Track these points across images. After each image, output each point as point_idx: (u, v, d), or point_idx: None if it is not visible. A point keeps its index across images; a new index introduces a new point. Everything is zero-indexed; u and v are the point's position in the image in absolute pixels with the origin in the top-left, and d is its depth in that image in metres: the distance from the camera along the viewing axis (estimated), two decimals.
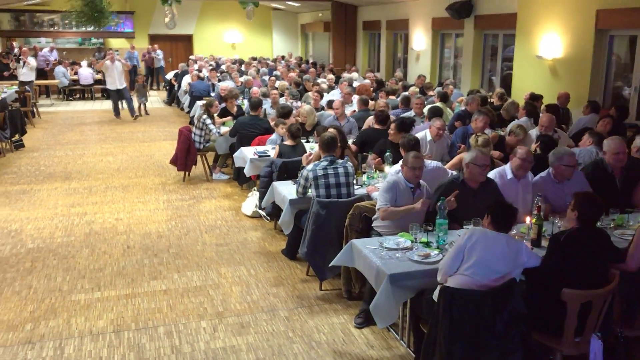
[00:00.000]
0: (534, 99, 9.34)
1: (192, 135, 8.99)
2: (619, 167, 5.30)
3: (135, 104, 15.72)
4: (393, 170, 5.47)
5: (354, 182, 5.65)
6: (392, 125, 6.75)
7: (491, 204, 3.90)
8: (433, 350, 3.47)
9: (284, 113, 8.32)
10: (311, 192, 5.46)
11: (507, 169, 5.21)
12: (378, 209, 4.79)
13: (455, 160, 6.19)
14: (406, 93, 10.42)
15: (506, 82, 12.17)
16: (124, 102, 15.47)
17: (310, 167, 5.44)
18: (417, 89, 11.26)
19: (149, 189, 8.74)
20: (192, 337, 4.56)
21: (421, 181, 4.98)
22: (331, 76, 14.00)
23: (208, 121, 8.94)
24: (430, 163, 5.71)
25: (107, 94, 19.85)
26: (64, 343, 4.47)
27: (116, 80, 14.82)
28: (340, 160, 5.53)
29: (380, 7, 17.51)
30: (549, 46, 10.16)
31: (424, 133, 7.07)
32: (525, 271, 3.77)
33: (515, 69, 11.48)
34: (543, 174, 5.22)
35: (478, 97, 8.98)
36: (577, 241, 3.70)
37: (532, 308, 3.55)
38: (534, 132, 7.08)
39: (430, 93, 11.15)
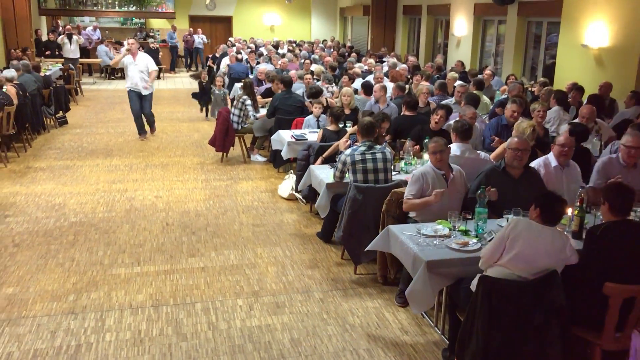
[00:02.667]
0: (577, 90, 9.10)
1: (231, 116, 9.08)
2: None
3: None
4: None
5: (392, 168, 5.64)
6: (439, 118, 6.65)
7: (540, 194, 3.77)
8: (469, 339, 3.46)
9: (312, 93, 8.38)
10: (348, 176, 5.47)
11: (550, 157, 5.12)
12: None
13: (499, 150, 6.05)
14: (443, 80, 10.27)
15: (549, 72, 11.89)
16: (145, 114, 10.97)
17: (348, 151, 5.45)
18: (457, 75, 11.08)
19: (188, 168, 8.88)
20: (229, 314, 4.64)
21: (455, 166, 4.92)
22: (371, 60, 13.88)
23: (248, 102, 9.01)
24: (480, 153, 5.64)
25: None
26: (105, 315, 4.61)
27: (138, 82, 10.39)
28: (378, 146, 5.52)
29: None
30: (595, 35, 9.87)
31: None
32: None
33: (559, 58, 11.20)
34: (613, 154, 5.13)
35: (520, 85, 8.80)
36: (613, 235, 3.60)
37: (571, 301, 3.51)
38: (564, 123, 6.91)
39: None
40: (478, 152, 5.71)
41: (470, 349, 3.45)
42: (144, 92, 10.53)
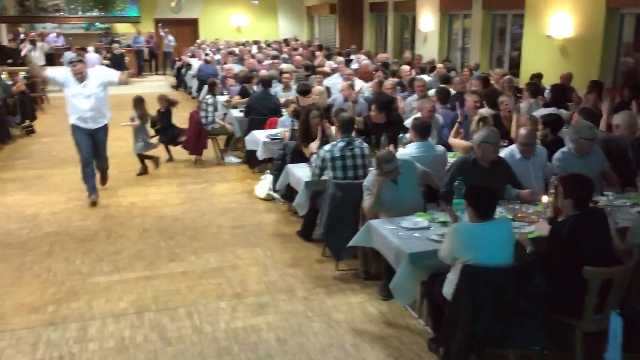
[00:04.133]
0: (537, 78, 9.29)
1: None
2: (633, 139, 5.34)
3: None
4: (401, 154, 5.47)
5: (370, 163, 5.67)
6: (373, 106, 6.75)
7: (466, 190, 3.82)
8: (454, 329, 3.51)
9: (303, 90, 8.38)
10: (327, 173, 5.48)
11: (514, 149, 5.23)
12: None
13: (466, 144, 6.08)
14: (413, 76, 10.35)
15: (515, 63, 12.10)
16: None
17: (327, 147, 5.46)
18: (408, 68, 11.14)
19: (162, 173, 8.79)
20: (213, 317, 4.62)
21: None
22: (340, 59, 13.91)
23: (210, 100, 9.01)
24: (437, 149, 5.71)
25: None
26: (87, 324, 4.54)
27: (88, 114, 7.02)
28: (357, 141, 5.54)
29: None
30: (558, 25, 10.09)
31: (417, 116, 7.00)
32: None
33: (524, 50, 11.42)
34: (564, 149, 5.25)
35: (461, 79, 9.05)
36: (579, 229, 3.63)
37: (551, 288, 3.58)
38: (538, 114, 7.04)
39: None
40: (436, 147, 5.76)
41: (455, 338, 3.50)
42: (95, 126, 7.12)
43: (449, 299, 3.60)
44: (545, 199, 4.47)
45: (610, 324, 3.55)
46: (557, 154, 5.19)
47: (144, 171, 8.67)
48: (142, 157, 8.66)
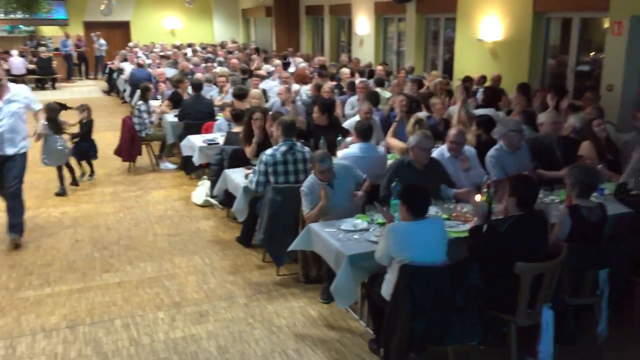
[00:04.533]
0: (466, 82, 9.56)
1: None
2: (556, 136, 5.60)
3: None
4: (345, 153, 5.53)
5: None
6: (315, 108, 6.79)
7: (401, 189, 3.90)
8: (394, 328, 3.55)
9: (239, 94, 8.26)
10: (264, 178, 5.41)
11: (444, 149, 5.38)
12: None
13: (402, 146, 6.16)
14: (352, 79, 10.45)
15: (449, 66, 12.42)
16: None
17: (269, 151, 5.35)
18: (348, 71, 11.26)
19: (94, 181, 8.49)
20: (151, 328, 4.49)
21: (339, 164, 4.96)
22: (277, 61, 13.88)
23: (143, 107, 8.80)
24: (379, 150, 5.78)
25: (41, 83, 19.25)
26: (15, 342, 4.31)
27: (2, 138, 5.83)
28: (298, 146, 5.49)
29: None
30: (489, 29, 10.43)
31: (356, 118, 7.08)
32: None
33: (456, 52, 11.73)
34: (496, 146, 5.43)
35: (398, 82, 9.29)
36: (519, 229, 3.73)
37: (486, 284, 3.67)
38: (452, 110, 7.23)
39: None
40: (378, 148, 5.83)
41: (395, 337, 3.53)
42: (9, 152, 5.87)
43: (388, 300, 3.63)
44: (478, 197, 4.59)
45: (542, 318, 3.68)
46: (490, 152, 5.37)
47: (73, 181, 8.25)
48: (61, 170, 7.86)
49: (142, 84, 9.32)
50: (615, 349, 4.12)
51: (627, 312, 4.32)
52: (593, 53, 9.29)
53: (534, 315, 3.73)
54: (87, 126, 8.31)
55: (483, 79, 10.01)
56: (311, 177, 4.88)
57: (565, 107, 6.98)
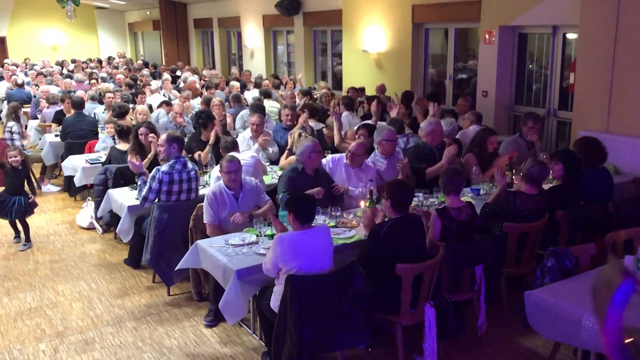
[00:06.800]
0: (356, 92, 9.87)
1: None
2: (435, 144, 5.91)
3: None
4: (215, 175, 5.43)
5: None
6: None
7: (287, 199, 3.98)
8: (284, 338, 3.56)
9: (120, 113, 7.98)
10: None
11: (342, 157, 5.54)
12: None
13: (292, 159, 6.18)
14: (237, 93, 10.42)
15: (338, 77, 12.73)
16: None
17: (165, 169, 5.05)
18: (238, 85, 11.31)
19: None
20: None
21: (247, 180, 4.96)
22: (167, 76, 13.55)
23: (15, 129, 8.33)
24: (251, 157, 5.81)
25: None
26: None
27: None
28: (190, 163, 5.30)
29: (210, 5, 17.34)
30: (373, 41, 10.80)
31: (247, 132, 7.09)
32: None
33: (344, 64, 12.04)
34: (375, 152, 5.67)
35: (292, 93, 9.46)
36: (396, 231, 3.88)
37: (371, 288, 3.78)
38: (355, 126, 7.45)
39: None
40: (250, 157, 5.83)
41: (286, 347, 3.55)
42: None
43: (277, 311, 3.64)
44: (362, 204, 4.73)
45: (425, 316, 3.84)
46: (368, 160, 5.60)
47: None
48: None
49: (11, 104, 8.84)
50: (495, 339, 4.37)
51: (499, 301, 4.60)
52: (472, 62, 9.88)
53: (417, 314, 3.88)
54: None
55: (362, 90, 10.33)
56: (219, 185, 4.80)
57: (438, 113, 7.29)
